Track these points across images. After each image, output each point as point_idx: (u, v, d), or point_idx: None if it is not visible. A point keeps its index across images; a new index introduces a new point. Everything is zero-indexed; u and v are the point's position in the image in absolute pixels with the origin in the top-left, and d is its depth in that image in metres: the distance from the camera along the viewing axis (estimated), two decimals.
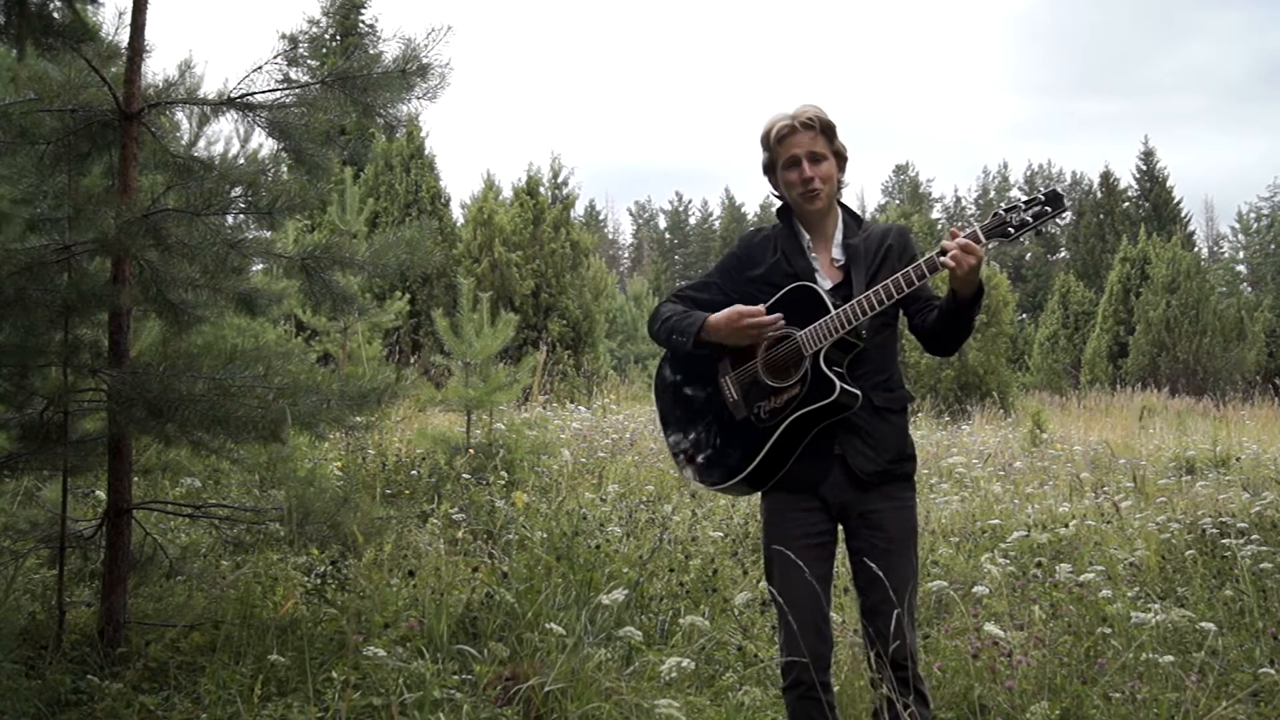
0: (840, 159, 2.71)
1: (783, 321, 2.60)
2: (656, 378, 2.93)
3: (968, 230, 2.47)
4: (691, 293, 2.85)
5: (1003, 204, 2.52)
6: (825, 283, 2.67)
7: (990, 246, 2.47)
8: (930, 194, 57.27)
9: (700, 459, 2.78)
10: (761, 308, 2.61)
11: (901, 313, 2.75)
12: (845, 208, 2.77)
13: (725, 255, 2.87)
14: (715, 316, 2.66)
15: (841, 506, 2.63)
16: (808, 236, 2.72)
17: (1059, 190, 2.45)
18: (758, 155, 2.78)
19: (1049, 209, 2.43)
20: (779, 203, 2.82)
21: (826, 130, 2.67)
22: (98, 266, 3.63)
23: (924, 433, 10.51)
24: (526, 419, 8.81)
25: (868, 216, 2.89)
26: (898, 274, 2.51)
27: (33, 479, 4.34)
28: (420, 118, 20.83)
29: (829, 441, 2.61)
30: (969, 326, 2.58)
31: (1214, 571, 4.62)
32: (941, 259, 2.44)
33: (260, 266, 4.48)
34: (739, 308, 2.63)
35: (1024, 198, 2.49)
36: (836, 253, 2.71)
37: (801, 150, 2.64)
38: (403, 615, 3.61)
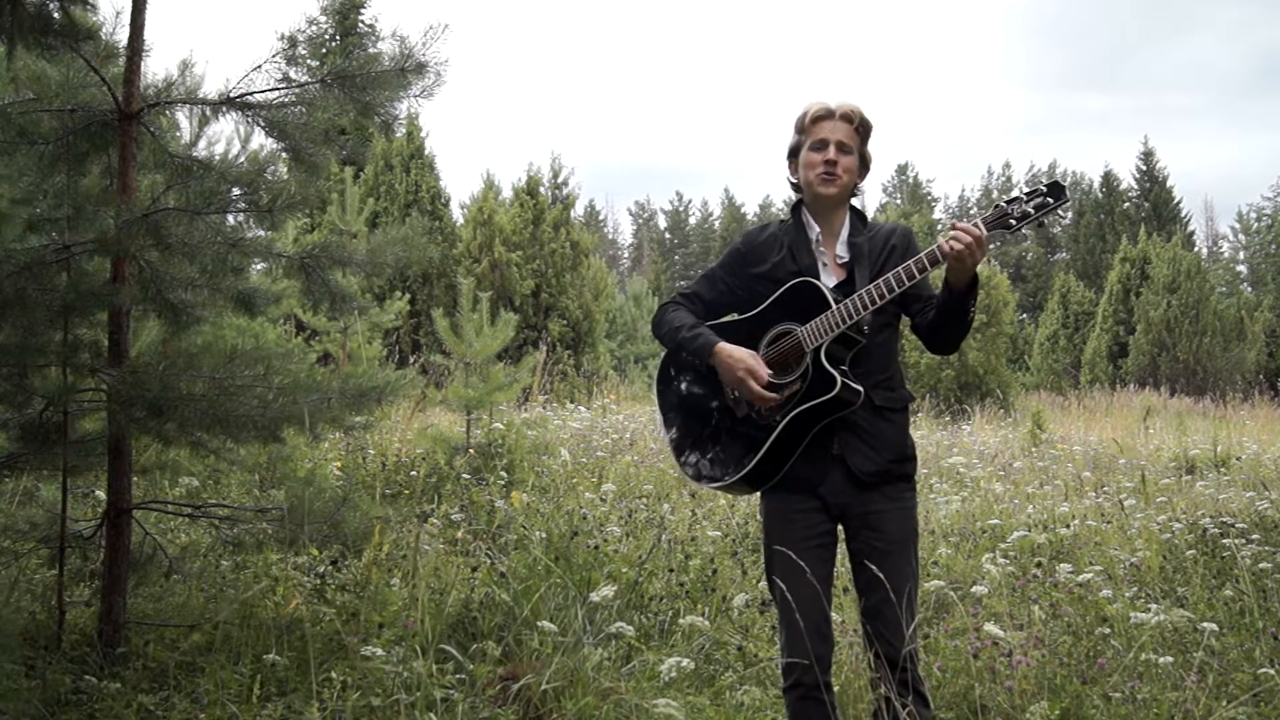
0: (864, 163, 2.73)
1: (776, 401, 2.60)
2: (658, 375, 2.93)
3: (969, 223, 2.47)
4: (697, 289, 2.85)
5: (1004, 196, 2.51)
6: (830, 280, 2.67)
7: (993, 240, 2.47)
8: (930, 194, 57.24)
9: (700, 457, 2.78)
10: (765, 375, 2.60)
11: (903, 313, 2.76)
12: (853, 208, 2.78)
13: (729, 250, 2.86)
14: (724, 349, 2.65)
15: (841, 507, 2.63)
16: (818, 229, 2.72)
17: (1060, 181, 2.45)
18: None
19: (1050, 200, 2.43)
20: (780, 201, 2.84)
21: (862, 129, 2.69)
22: (97, 266, 3.62)
23: (924, 433, 10.51)
24: (526, 419, 8.80)
25: (869, 216, 2.89)
26: (898, 268, 2.51)
27: (32, 479, 4.34)
28: (420, 118, 20.81)
29: (828, 441, 2.61)
30: (966, 320, 2.58)
31: (1214, 571, 4.62)
32: (947, 243, 2.44)
33: (260, 266, 4.47)
34: (749, 364, 2.61)
35: (1025, 189, 2.48)
36: (841, 250, 2.71)
37: (833, 136, 2.65)
38: (401, 615, 3.61)
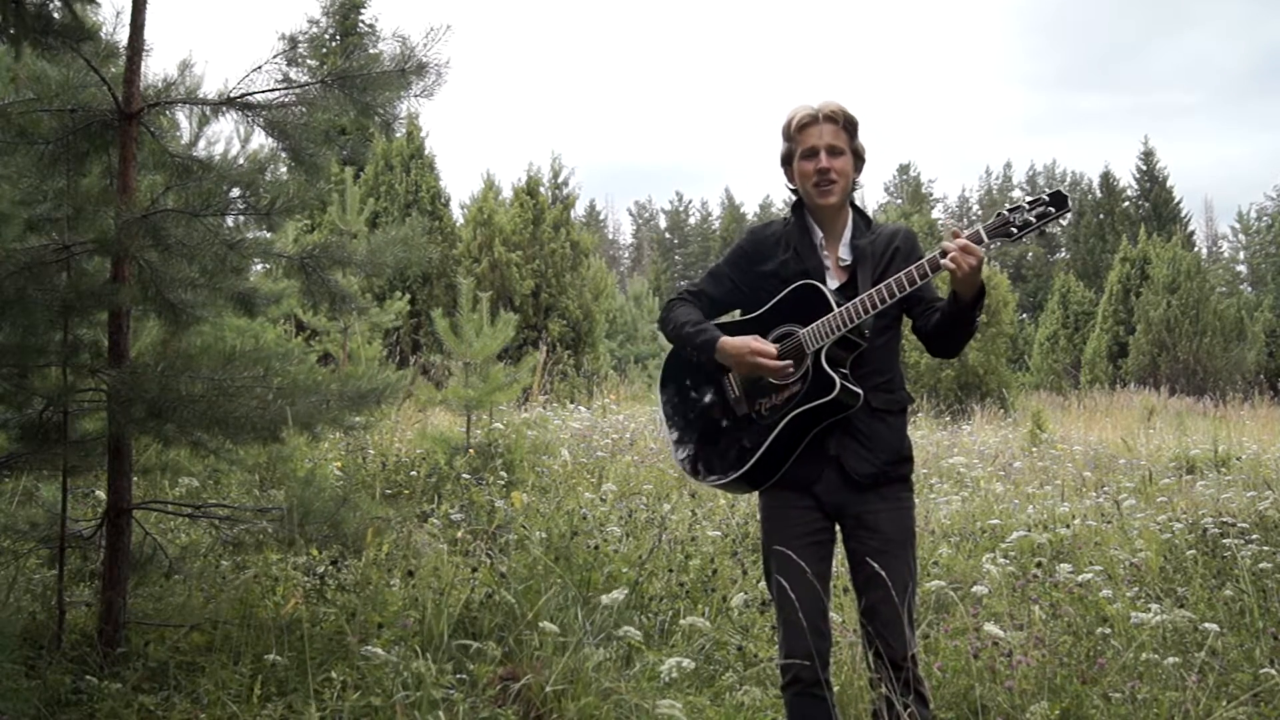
0: (858, 158, 2.71)
1: (791, 369, 2.60)
2: (661, 374, 2.94)
3: (969, 230, 2.47)
4: (703, 286, 2.84)
5: (1007, 204, 2.52)
6: (832, 282, 2.67)
7: (993, 246, 2.47)
8: (931, 194, 57.27)
9: (701, 455, 2.79)
10: (774, 348, 2.61)
11: (905, 315, 2.76)
12: (856, 208, 2.77)
13: (734, 248, 2.86)
14: (728, 342, 2.66)
15: (837, 507, 2.63)
16: (821, 233, 2.72)
17: (1063, 191, 2.46)
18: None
19: (1053, 209, 2.44)
20: (780, 201, 2.84)
21: (849, 126, 2.67)
22: (97, 266, 3.63)
23: (924, 433, 10.51)
24: (526, 419, 8.80)
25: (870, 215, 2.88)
26: (900, 273, 2.51)
27: (32, 479, 4.34)
28: (420, 118, 20.81)
29: (825, 442, 2.61)
30: (971, 328, 2.58)
31: (1214, 571, 4.62)
32: (942, 260, 2.45)
33: (260, 266, 4.47)
34: (753, 343, 2.62)
35: (1028, 198, 2.49)
36: (844, 252, 2.71)
37: (821, 141, 2.64)
38: (401, 615, 3.61)
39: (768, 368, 2.60)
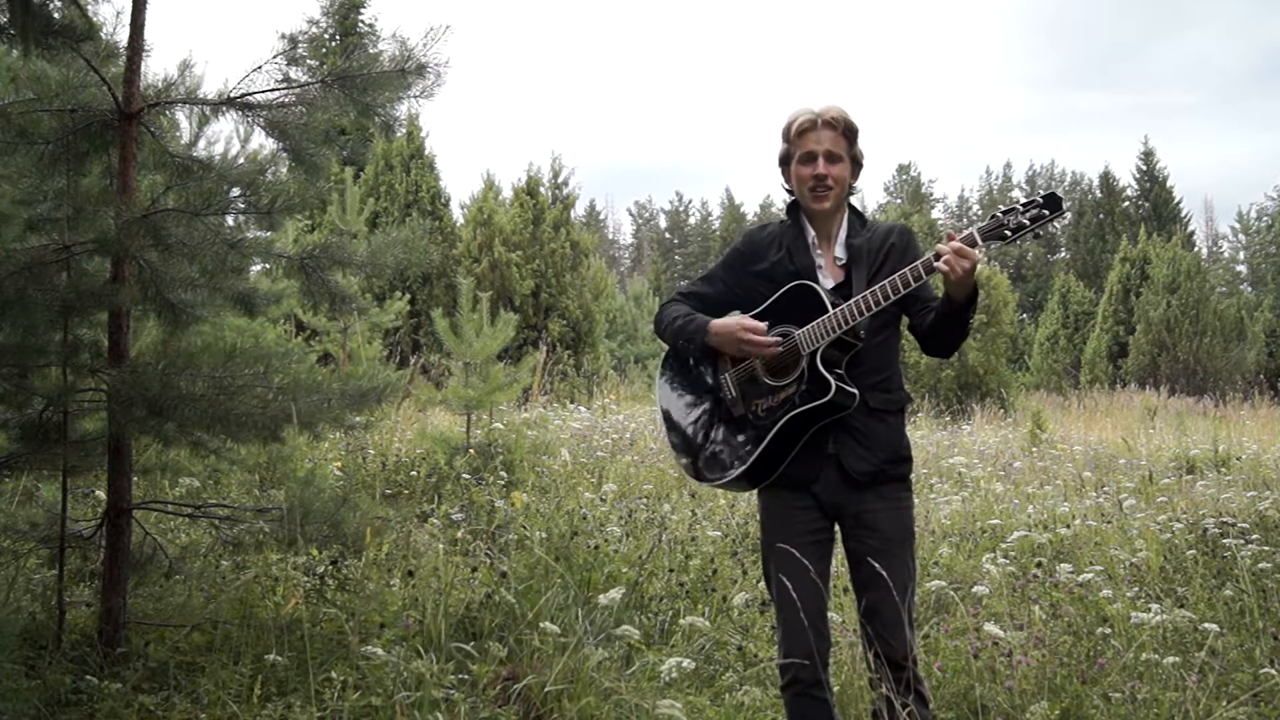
0: (856, 165, 2.72)
1: (779, 348, 2.61)
2: (659, 374, 2.95)
3: (964, 233, 2.47)
4: (696, 288, 2.86)
5: (1001, 206, 2.52)
6: (827, 281, 2.68)
7: (989, 248, 2.47)
8: (931, 194, 57.26)
9: (699, 455, 2.80)
10: (763, 325, 2.62)
11: (903, 314, 2.76)
12: (852, 208, 2.78)
13: (730, 249, 2.88)
14: (718, 322, 2.68)
15: (835, 506, 2.64)
16: (813, 233, 2.72)
17: (1057, 193, 2.46)
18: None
19: (1046, 212, 2.43)
20: (780, 201, 2.85)
21: (849, 132, 2.68)
22: (97, 266, 3.63)
23: (924, 433, 10.50)
24: (526, 419, 8.80)
25: (869, 215, 2.89)
26: (894, 275, 2.52)
27: (32, 479, 4.34)
28: (420, 118, 20.77)
29: (823, 441, 2.62)
30: (964, 329, 2.59)
31: (1214, 571, 4.62)
32: (936, 263, 2.45)
33: (260, 266, 4.47)
34: (743, 320, 2.64)
35: (1022, 200, 2.49)
36: (839, 251, 2.72)
37: (820, 147, 2.65)
38: (401, 615, 3.61)
39: (756, 343, 2.61)
